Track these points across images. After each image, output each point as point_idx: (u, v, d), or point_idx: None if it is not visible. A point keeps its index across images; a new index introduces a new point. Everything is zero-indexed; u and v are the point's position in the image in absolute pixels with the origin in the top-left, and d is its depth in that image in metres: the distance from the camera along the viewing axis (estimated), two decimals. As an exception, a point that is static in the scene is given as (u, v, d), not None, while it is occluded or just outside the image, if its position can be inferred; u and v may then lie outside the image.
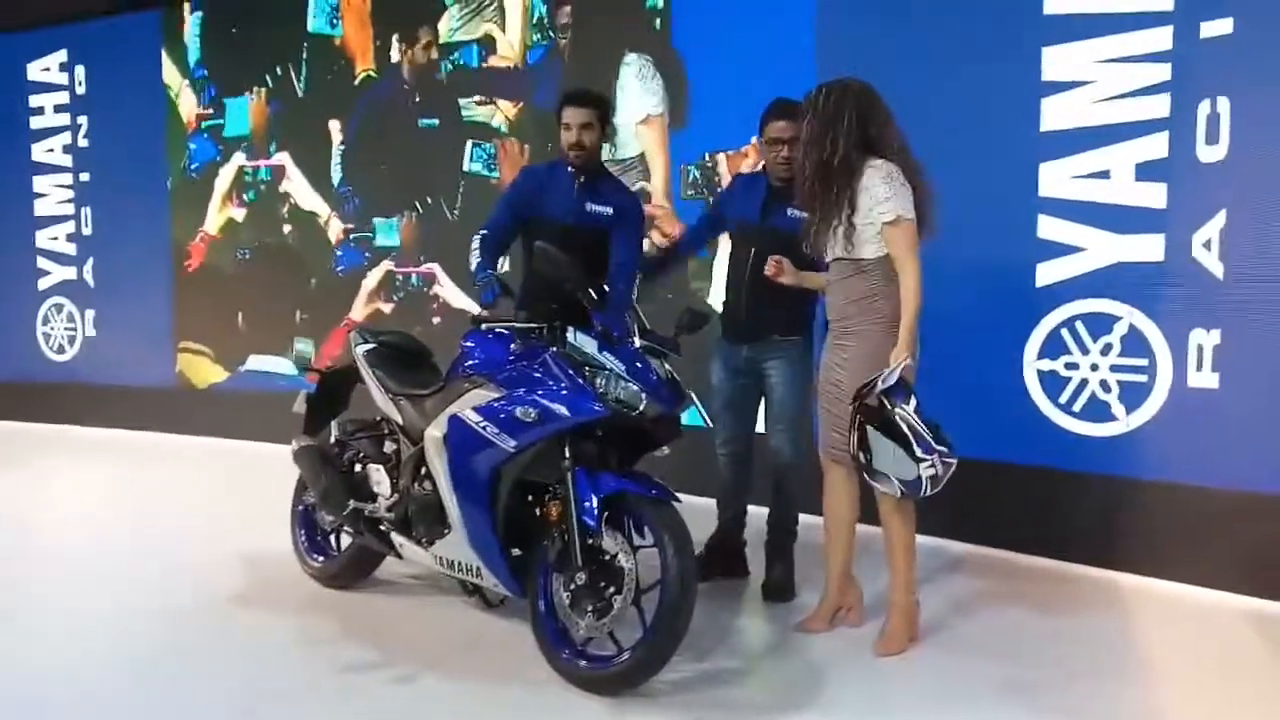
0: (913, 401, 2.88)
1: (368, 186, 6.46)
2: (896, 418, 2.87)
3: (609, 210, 3.67)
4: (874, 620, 3.32)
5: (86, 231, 7.70)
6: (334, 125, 6.53)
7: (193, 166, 7.20)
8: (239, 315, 7.07)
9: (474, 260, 3.54)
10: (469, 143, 5.95)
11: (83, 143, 7.64)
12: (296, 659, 3.14)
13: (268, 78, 6.79)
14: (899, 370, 2.91)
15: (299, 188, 6.77)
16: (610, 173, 3.91)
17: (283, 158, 6.84)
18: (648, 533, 2.85)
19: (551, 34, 5.63)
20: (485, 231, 3.65)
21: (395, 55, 6.25)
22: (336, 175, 6.55)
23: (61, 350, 7.87)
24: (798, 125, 3.34)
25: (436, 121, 6.13)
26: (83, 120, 7.63)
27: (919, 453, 2.86)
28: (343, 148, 6.51)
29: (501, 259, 3.72)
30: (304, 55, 6.62)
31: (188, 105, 7.16)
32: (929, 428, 2.87)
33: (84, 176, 7.67)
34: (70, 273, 7.79)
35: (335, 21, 6.48)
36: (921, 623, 3.24)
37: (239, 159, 7.00)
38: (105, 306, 7.66)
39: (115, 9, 7.36)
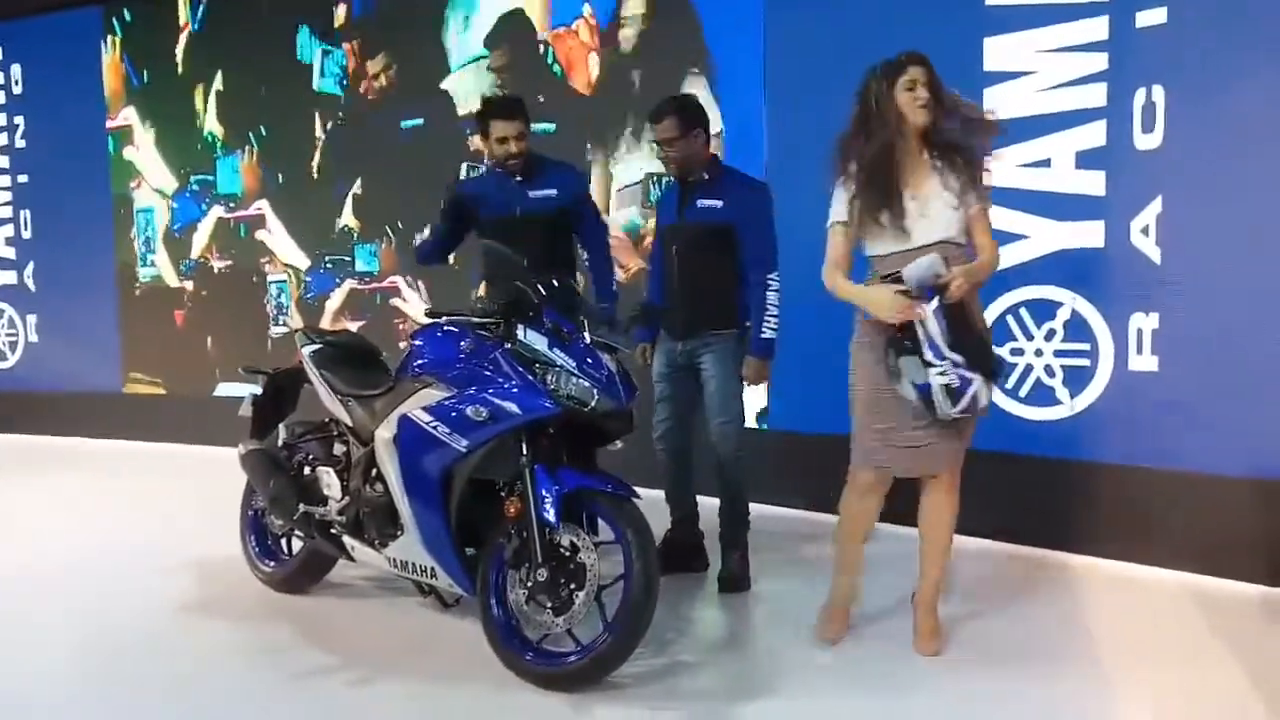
0: (935, 302, 2.69)
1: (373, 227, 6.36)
2: (915, 319, 2.73)
3: (553, 192, 3.76)
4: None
5: (26, 235, 7.53)
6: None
7: (175, 227, 7.07)
8: (208, 340, 7.01)
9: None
10: (464, 164, 5.83)
11: (20, 143, 7.47)
12: (250, 665, 3.10)
13: (251, 135, 6.68)
14: (934, 266, 2.70)
15: (279, 240, 6.67)
16: (548, 159, 3.90)
17: (262, 205, 6.73)
18: (604, 527, 2.85)
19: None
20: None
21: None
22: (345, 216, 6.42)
23: (2, 357, 7.69)
24: (679, 122, 3.51)
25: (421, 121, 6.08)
26: (20, 120, 7.45)
27: (929, 356, 2.70)
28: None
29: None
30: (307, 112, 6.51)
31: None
32: (947, 336, 2.69)
33: (22, 178, 7.50)
34: (10, 277, 7.62)
35: (344, 84, 6.36)
36: (866, 609, 3.30)
37: (218, 211, 6.90)
38: (48, 311, 7.50)
39: (54, 5, 7.19)
